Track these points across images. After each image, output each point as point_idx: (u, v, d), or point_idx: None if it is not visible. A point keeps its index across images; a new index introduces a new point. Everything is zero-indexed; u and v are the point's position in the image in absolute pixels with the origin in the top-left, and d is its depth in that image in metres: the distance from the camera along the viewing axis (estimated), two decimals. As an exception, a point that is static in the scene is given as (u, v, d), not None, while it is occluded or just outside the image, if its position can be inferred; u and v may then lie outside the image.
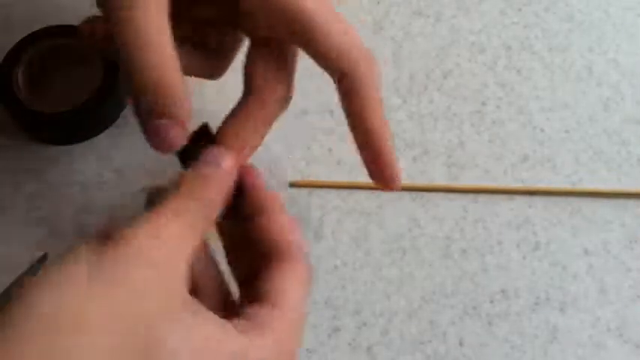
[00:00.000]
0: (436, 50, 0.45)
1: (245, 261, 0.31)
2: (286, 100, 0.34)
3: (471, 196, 0.41)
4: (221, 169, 0.29)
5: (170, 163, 0.41)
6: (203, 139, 0.31)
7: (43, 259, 0.38)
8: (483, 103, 0.43)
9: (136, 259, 0.24)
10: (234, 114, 0.33)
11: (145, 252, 0.25)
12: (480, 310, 0.38)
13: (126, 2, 0.28)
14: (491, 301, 0.38)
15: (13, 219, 0.40)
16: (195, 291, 0.30)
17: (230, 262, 0.32)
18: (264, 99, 0.33)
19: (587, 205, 0.40)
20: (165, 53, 0.28)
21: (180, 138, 0.29)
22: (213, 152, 0.30)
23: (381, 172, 0.33)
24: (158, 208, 0.26)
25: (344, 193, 0.40)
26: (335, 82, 0.33)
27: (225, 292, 0.31)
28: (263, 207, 0.30)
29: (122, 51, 0.28)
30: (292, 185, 0.41)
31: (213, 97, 0.42)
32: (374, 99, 0.33)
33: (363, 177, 0.41)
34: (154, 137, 0.29)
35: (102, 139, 0.42)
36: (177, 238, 0.26)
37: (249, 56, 0.33)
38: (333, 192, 0.41)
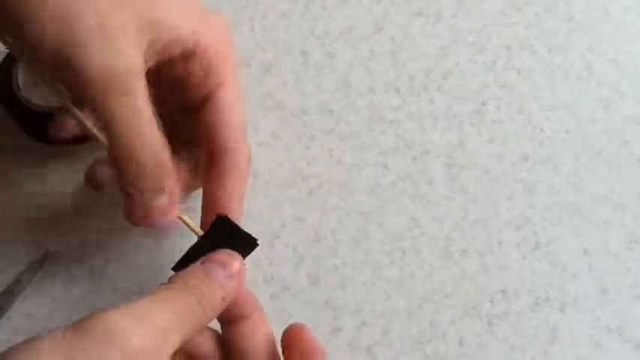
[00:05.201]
0: (436, 50, 0.45)
1: None
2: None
3: (471, 196, 0.41)
4: (227, 275, 0.30)
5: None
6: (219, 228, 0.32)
7: (44, 257, 0.38)
8: (483, 103, 0.43)
9: (110, 341, 0.24)
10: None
11: (120, 335, 0.24)
12: (480, 310, 0.38)
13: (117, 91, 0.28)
14: (491, 301, 0.38)
15: (13, 219, 0.40)
16: None
17: None
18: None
19: (587, 205, 0.40)
20: (158, 138, 0.30)
21: (173, 209, 0.32)
22: (223, 255, 0.31)
23: None
24: (150, 295, 0.27)
25: (344, 192, 0.40)
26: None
27: None
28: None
29: (115, 140, 0.29)
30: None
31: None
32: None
33: (363, 177, 0.41)
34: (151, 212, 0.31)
35: (102, 139, 0.42)
36: (161, 328, 0.26)
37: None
38: (333, 192, 0.41)
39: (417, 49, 0.45)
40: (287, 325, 0.37)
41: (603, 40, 0.45)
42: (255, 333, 0.31)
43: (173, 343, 0.26)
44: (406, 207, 0.40)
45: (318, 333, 0.37)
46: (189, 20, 0.31)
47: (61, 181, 0.41)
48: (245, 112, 0.35)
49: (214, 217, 0.32)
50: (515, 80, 0.44)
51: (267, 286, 0.38)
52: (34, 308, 0.37)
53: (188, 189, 0.37)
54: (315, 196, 0.40)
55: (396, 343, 0.37)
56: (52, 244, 0.39)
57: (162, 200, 0.31)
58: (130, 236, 0.39)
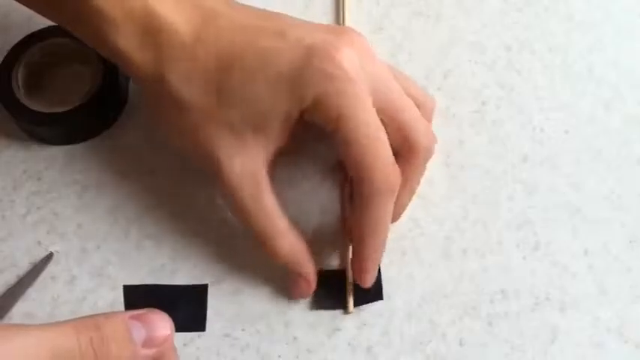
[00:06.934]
0: (436, 50, 0.45)
1: None
2: None
3: (470, 196, 0.41)
4: None
5: (167, 163, 0.42)
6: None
7: (48, 258, 0.38)
8: (483, 103, 0.43)
9: None
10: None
11: None
12: (480, 310, 0.38)
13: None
14: (491, 301, 0.38)
15: (13, 219, 0.40)
16: None
17: None
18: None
19: (587, 205, 0.40)
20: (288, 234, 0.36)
21: (309, 290, 0.37)
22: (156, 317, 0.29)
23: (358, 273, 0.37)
24: None
25: (344, 193, 0.40)
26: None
27: None
28: None
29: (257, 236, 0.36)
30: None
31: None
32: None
33: (363, 177, 0.41)
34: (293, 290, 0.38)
35: (102, 139, 0.42)
36: None
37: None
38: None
39: (417, 49, 0.45)
40: (287, 324, 0.37)
41: (603, 40, 0.45)
42: None
43: None
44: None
45: (318, 333, 0.37)
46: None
47: (61, 181, 0.41)
48: (377, 146, 0.34)
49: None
50: (515, 80, 0.44)
51: (267, 286, 0.38)
52: (34, 308, 0.37)
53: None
54: (315, 196, 0.41)
55: (396, 343, 0.37)
56: (52, 244, 0.39)
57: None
58: (130, 236, 0.39)
